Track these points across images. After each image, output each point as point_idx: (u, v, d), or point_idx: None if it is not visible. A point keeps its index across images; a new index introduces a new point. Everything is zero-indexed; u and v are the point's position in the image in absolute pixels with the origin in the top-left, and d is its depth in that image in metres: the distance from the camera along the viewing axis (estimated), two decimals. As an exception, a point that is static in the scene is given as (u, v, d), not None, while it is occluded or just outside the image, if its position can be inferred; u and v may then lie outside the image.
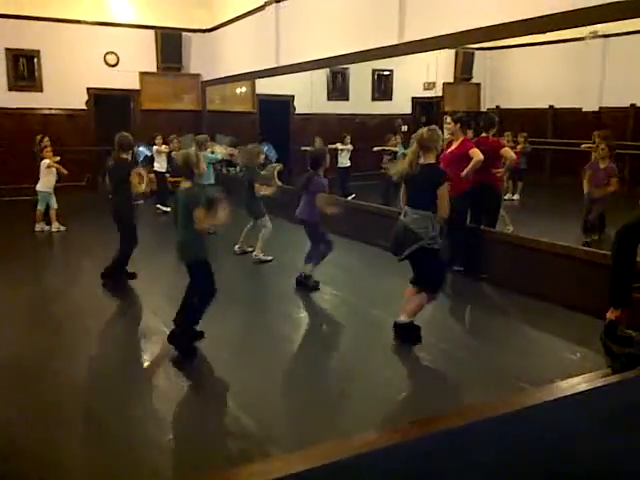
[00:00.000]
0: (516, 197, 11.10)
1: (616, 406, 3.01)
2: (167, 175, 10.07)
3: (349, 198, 9.94)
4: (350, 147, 11.28)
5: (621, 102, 12.29)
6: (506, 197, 10.97)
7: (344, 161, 11.27)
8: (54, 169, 8.55)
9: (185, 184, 4.22)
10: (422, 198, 4.22)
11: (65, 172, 8.65)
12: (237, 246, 7.38)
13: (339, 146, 11.21)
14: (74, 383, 3.95)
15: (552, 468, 2.62)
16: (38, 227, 8.57)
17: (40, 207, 8.58)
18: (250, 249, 7.17)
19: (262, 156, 7.29)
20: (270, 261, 6.98)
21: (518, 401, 3.22)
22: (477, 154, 5.82)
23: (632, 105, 12.29)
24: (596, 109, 12.94)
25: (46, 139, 9.10)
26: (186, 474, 2.94)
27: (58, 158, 8.78)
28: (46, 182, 8.53)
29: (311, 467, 2.22)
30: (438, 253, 4.30)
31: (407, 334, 4.41)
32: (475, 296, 5.78)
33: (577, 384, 3.31)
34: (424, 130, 4.34)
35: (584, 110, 13.17)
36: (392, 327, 4.59)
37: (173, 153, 9.38)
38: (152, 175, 10.67)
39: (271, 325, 5.15)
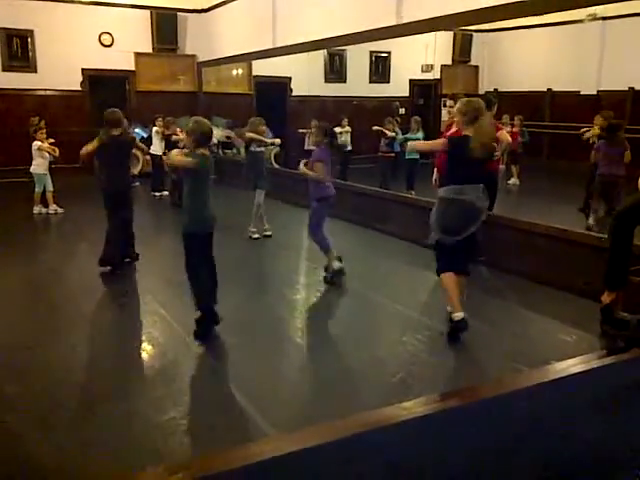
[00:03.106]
0: (512, 181, 11.09)
1: (611, 387, 3.04)
2: (164, 157, 10.01)
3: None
4: (348, 129, 11.22)
5: (619, 85, 12.24)
6: (510, 182, 10.98)
7: (345, 145, 11.21)
8: (45, 151, 8.49)
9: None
10: (478, 171, 4.14)
11: (56, 154, 8.59)
12: (266, 227, 7.35)
13: (338, 129, 11.15)
14: (72, 365, 3.95)
15: (548, 447, 2.64)
16: (36, 209, 8.53)
17: (37, 189, 8.54)
18: (269, 232, 7.21)
19: (263, 127, 7.25)
20: (258, 239, 7.04)
21: (514, 382, 3.24)
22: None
23: (630, 88, 12.24)
24: (594, 92, 12.89)
25: (42, 122, 9.01)
26: (186, 454, 2.96)
27: (52, 140, 8.71)
28: (40, 164, 8.48)
29: (307, 447, 2.24)
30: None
31: (464, 326, 4.17)
32: (472, 278, 5.77)
33: (572, 365, 3.33)
34: (464, 101, 4.22)
35: (582, 93, 13.13)
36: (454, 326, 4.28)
37: (173, 137, 9.29)
38: (147, 157, 10.61)
39: (268, 307, 5.16)
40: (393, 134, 10.29)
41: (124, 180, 5.86)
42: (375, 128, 10.50)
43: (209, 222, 4.25)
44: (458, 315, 4.16)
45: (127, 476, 2.68)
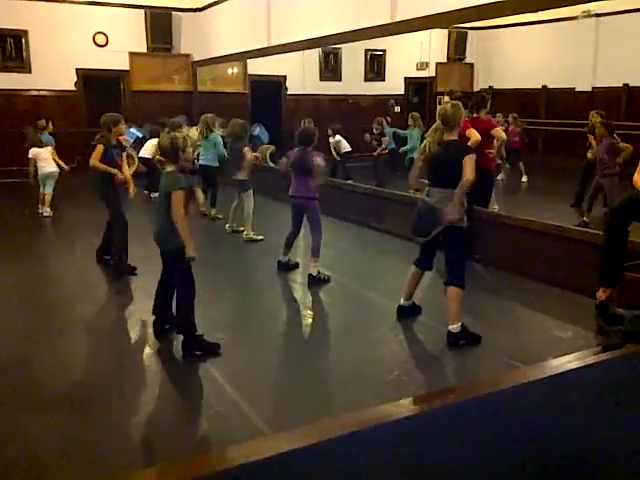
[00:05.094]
0: (524, 179, 11.01)
1: (606, 384, 3.04)
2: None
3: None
4: (338, 138, 10.99)
5: (614, 82, 12.27)
6: (523, 179, 10.94)
7: (342, 149, 11.06)
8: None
9: (169, 168, 4.05)
10: (448, 176, 4.08)
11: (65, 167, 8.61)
12: (227, 225, 7.41)
13: (331, 140, 11.01)
14: (68, 364, 3.95)
15: (542, 445, 2.64)
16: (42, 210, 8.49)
17: (49, 190, 8.50)
18: (242, 228, 7.18)
19: (242, 129, 7.22)
20: (261, 240, 7.02)
21: (509, 379, 3.25)
22: (474, 135, 5.79)
23: (625, 85, 12.27)
24: (589, 89, 12.92)
25: (50, 123, 9.03)
26: (179, 453, 2.95)
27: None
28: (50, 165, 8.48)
29: (303, 445, 2.24)
30: (464, 232, 4.16)
31: (464, 338, 4.16)
32: (468, 276, 5.78)
33: (568, 362, 3.34)
34: (447, 106, 4.19)
35: (577, 90, 13.15)
36: (396, 310, 4.63)
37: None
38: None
39: (263, 306, 5.15)
40: (381, 128, 10.34)
41: (96, 182, 5.82)
42: (367, 138, 10.53)
43: None
44: (401, 302, 4.63)
45: (122, 476, 2.68)
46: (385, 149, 10.40)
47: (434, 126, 4.23)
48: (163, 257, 4.21)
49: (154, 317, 4.35)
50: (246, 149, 6.99)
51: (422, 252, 4.46)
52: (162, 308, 4.33)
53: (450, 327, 4.15)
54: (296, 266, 5.95)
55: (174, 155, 4.03)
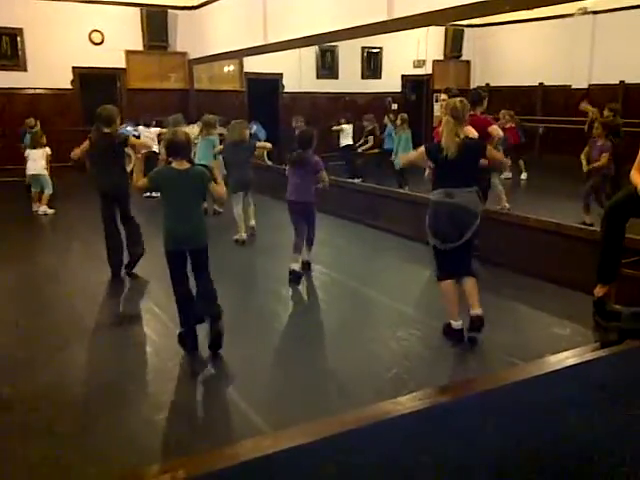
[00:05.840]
0: (523, 176, 10.99)
1: (604, 379, 3.05)
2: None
3: (358, 181, 9.96)
4: (343, 127, 11.19)
5: (610, 79, 12.28)
6: (522, 177, 10.92)
7: (345, 140, 11.16)
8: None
9: (184, 166, 3.86)
10: (467, 174, 4.02)
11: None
12: (244, 234, 7.07)
13: (344, 127, 11.12)
14: (68, 364, 3.95)
15: (541, 440, 2.65)
16: (41, 209, 8.53)
17: (46, 190, 8.53)
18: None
19: (247, 131, 7.19)
20: (244, 241, 6.96)
21: (508, 376, 3.25)
22: (472, 132, 5.78)
23: (621, 82, 12.29)
24: (585, 86, 12.94)
25: (38, 123, 9.03)
26: (178, 452, 2.95)
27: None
28: (44, 166, 8.52)
29: (302, 443, 2.24)
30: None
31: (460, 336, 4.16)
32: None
33: (566, 359, 3.35)
34: (456, 101, 4.08)
35: (573, 87, 13.17)
36: (443, 331, 4.25)
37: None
38: (139, 155, 10.55)
39: (262, 304, 5.15)
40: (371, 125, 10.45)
41: (113, 182, 5.47)
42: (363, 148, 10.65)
43: (167, 239, 3.99)
44: (456, 324, 4.15)
45: (121, 475, 2.68)
46: (370, 148, 10.52)
47: (445, 120, 4.08)
48: (194, 255, 3.97)
49: (186, 329, 4.06)
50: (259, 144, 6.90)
51: (446, 261, 4.17)
52: (196, 317, 4.07)
53: (478, 312, 4.08)
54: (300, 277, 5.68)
55: (189, 151, 3.92)
